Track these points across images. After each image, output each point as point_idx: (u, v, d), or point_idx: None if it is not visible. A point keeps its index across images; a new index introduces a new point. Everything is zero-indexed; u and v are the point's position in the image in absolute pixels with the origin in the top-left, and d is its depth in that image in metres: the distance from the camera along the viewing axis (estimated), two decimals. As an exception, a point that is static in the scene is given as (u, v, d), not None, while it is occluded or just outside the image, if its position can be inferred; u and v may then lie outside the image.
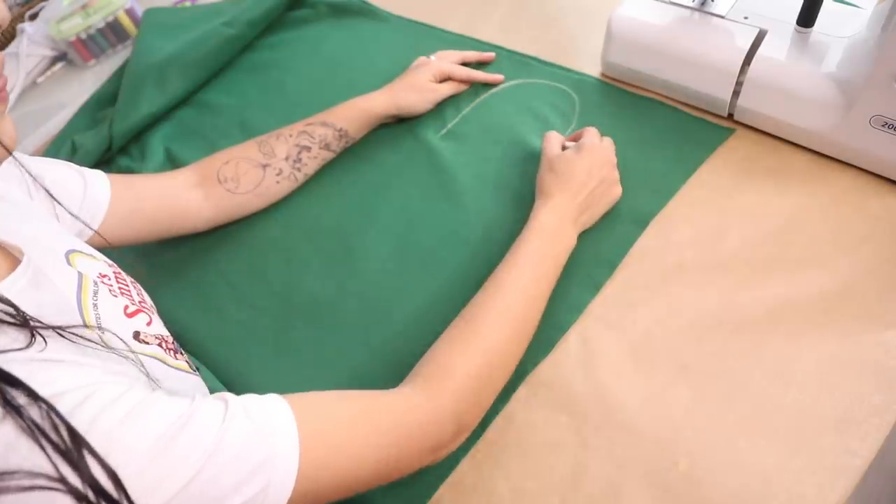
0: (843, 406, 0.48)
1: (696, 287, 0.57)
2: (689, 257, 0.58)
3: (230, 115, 0.83)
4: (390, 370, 0.57)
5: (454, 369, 0.47)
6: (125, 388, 0.34)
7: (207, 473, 0.34)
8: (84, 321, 0.42)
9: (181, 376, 0.46)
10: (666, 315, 0.56)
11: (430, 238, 0.65)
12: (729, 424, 0.49)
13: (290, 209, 0.71)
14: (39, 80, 1.00)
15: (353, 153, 0.75)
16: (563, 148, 0.64)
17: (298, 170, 0.69)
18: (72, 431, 0.31)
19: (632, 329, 0.55)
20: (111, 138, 0.81)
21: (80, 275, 0.45)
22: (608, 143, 0.64)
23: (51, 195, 0.54)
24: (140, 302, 0.50)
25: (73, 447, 0.31)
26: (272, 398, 0.39)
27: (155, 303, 0.64)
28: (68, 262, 0.47)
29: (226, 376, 0.60)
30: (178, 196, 0.64)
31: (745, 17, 0.64)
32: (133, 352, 0.43)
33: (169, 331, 0.64)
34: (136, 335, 0.45)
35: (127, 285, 0.50)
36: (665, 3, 0.68)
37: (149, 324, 0.48)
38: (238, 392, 0.58)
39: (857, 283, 0.54)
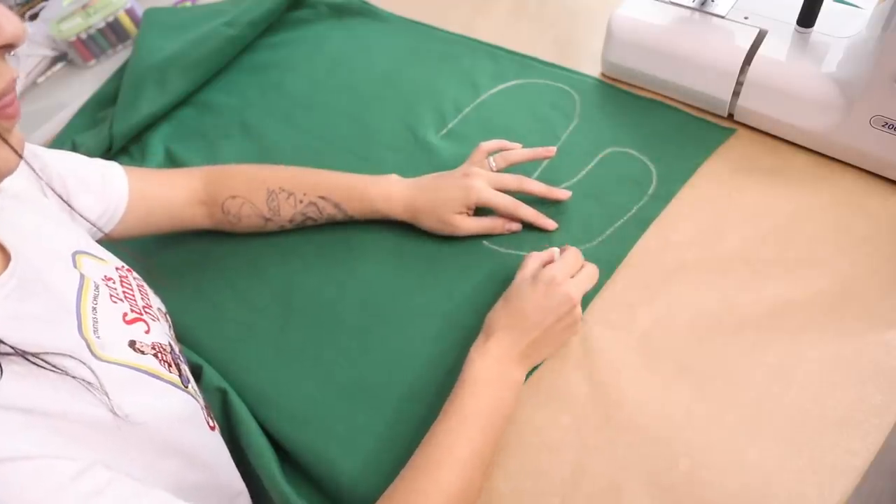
0: (844, 406, 0.48)
1: (696, 287, 0.57)
2: (689, 257, 0.58)
3: (230, 115, 0.83)
4: (390, 370, 0.57)
5: None
6: (74, 470, 0.33)
7: None
8: (81, 328, 0.42)
9: (168, 391, 0.45)
10: (666, 315, 0.56)
11: (430, 240, 0.65)
12: (729, 424, 0.49)
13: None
14: (39, 80, 1.00)
15: (353, 153, 0.75)
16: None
17: (300, 227, 0.68)
18: None
19: (632, 329, 0.55)
20: (111, 138, 0.81)
21: (83, 277, 0.45)
22: (583, 275, 0.55)
23: (65, 201, 0.54)
24: (144, 307, 0.49)
25: None
26: None
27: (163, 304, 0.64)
28: (73, 264, 0.46)
29: (226, 376, 0.60)
30: (184, 209, 0.65)
31: (746, 18, 0.64)
32: (123, 364, 0.42)
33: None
34: (132, 344, 0.44)
35: (132, 289, 0.50)
36: (665, 3, 0.68)
37: (147, 332, 0.47)
38: (238, 392, 0.59)
39: (858, 282, 0.54)
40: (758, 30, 0.63)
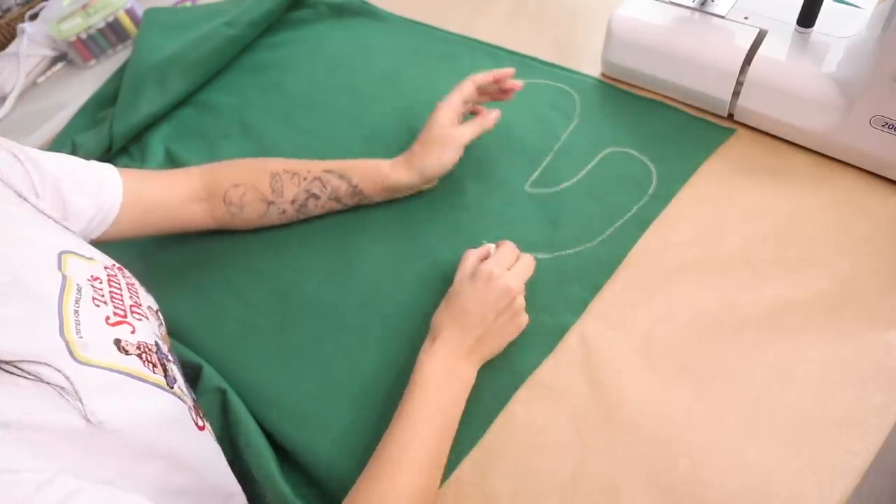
0: (844, 406, 0.48)
1: (696, 287, 0.57)
2: (689, 257, 0.59)
3: (230, 115, 0.83)
4: (389, 369, 0.57)
5: None
6: (38, 482, 0.33)
7: None
8: (62, 330, 0.41)
9: (152, 393, 0.45)
10: (666, 315, 0.56)
11: (429, 237, 0.65)
12: (729, 424, 0.49)
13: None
14: (39, 80, 1.00)
15: (353, 153, 0.74)
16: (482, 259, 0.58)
17: (302, 214, 0.68)
18: None
19: (632, 329, 0.55)
20: (111, 138, 0.81)
21: (65, 278, 0.45)
22: (519, 267, 0.56)
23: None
24: (131, 306, 0.49)
25: None
26: None
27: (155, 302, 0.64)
28: (59, 265, 0.46)
29: (226, 375, 0.60)
30: (182, 208, 0.64)
31: (746, 18, 0.64)
32: (105, 367, 0.41)
33: (168, 328, 0.64)
34: (117, 342, 0.44)
35: (119, 288, 0.49)
36: (665, 3, 0.68)
37: (132, 332, 0.47)
38: (237, 391, 0.59)
39: (858, 282, 0.54)
40: (758, 30, 0.63)
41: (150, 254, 0.71)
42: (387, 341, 0.59)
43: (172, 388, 0.47)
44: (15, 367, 0.37)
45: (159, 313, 0.56)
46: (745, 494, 0.46)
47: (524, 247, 0.62)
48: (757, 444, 0.48)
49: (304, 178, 0.65)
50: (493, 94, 0.68)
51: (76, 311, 0.43)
